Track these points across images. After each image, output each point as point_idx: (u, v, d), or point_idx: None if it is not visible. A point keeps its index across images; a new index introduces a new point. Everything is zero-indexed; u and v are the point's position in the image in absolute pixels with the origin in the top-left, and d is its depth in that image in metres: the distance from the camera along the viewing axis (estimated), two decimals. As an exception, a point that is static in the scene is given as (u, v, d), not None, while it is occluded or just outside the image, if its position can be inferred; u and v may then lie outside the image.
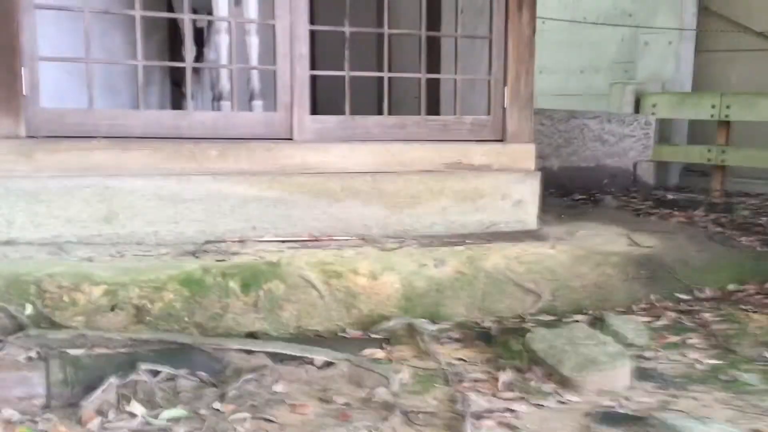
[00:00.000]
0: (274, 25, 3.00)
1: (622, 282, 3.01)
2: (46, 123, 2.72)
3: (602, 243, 3.24)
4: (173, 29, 5.12)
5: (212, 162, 2.92)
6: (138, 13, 2.82)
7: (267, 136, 3.04)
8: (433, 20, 3.54)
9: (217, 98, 4.67)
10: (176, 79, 5.28)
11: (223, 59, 3.81)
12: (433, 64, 3.61)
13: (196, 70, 4.73)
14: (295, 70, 3.04)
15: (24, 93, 2.67)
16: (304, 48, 3.05)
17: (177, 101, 5.23)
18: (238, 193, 2.94)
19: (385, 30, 3.22)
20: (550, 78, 7.02)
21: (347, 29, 3.13)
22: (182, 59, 4.92)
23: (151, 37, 4.09)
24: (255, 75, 3.70)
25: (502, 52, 3.37)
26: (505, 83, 3.39)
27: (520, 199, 3.40)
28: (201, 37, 4.74)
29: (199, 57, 4.73)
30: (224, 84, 3.85)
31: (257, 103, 3.79)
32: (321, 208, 3.06)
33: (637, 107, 5.99)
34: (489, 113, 3.41)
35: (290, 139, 3.07)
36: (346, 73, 3.15)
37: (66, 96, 4.89)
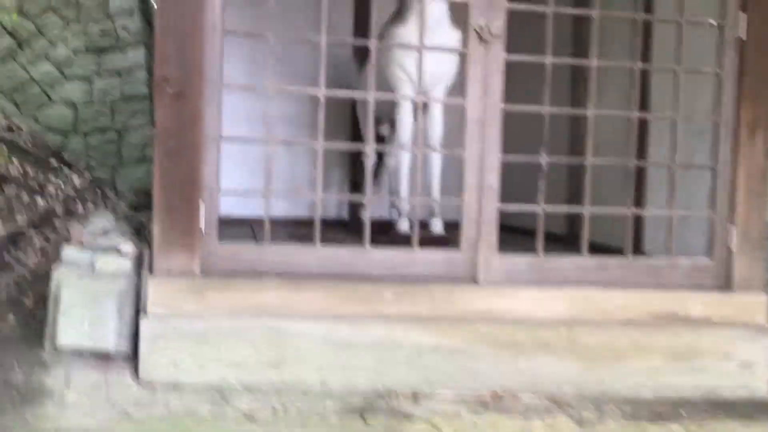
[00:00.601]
0: (462, 155, 2.71)
1: None
2: (220, 260, 2.59)
3: None
4: (355, 129, 5.04)
5: (387, 305, 2.64)
6: (321, 145, 2.65)
7: (448, 277, 2.73)
8: (640, 145, 3.11)
9: (393, 206, 4.50)
10: (356, 179, 5.18)
11: (403, 176, 3.61)
12: (638, 195, 3.15)
13: (375, 174, 4.59)
14: (483, 204, 2.73)
15: (201, 228, 2.55)
16: (494, 180, 2.73)
17: (355, 206, 5.12)
18: (412, 341, 2.63)
19: (588, 159, 2.83)
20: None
21: (544, 159, 2.78)
22: (361, 161, 4.84)
23: (333, 138, 3.95)
24: (435, 187, 3.44)
25: (728, 184, 2.85)
26: (731, 221, 2.85)
27: (749, 360, 2.81)
28: (382, 140, 4.59)
29: (379, 162, 4.59)
30: (402, 205, 3.63)
31: (436, 221, 3.53)
32: (505, 361, 2.68)
33: None
34: (710, 256, 2.88)
35: (474, 281, 2.73)
36: (540, 207, 2.79)
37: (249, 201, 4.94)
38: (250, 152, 4.79)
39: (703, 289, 2.85)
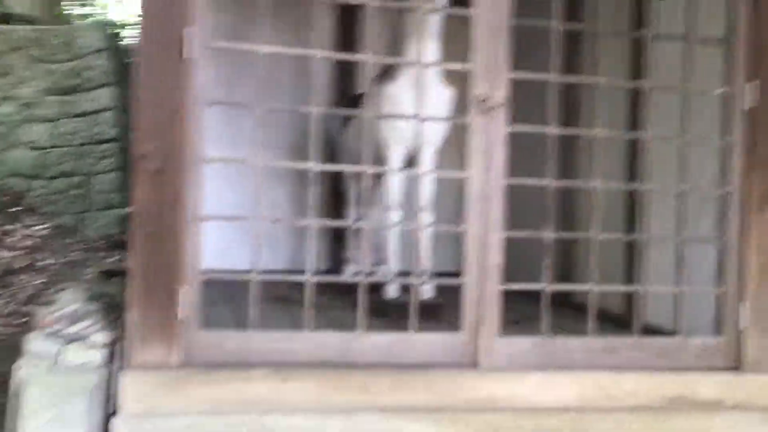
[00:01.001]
0: (465, 233, 2.54)
1: None
2: (202, 350, 2.37)
3: None
4: (335, 181, 4.87)
5: (383, 394, 2.45)
6: (312, 222, 2.46)
7: (448, 363, 2.54)
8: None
9: (378, 263, 4.31)
10: (337, 235, 4.99)
11: (392, 240, 3.43)
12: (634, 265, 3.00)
13: (358, 230, 4.42)
14: (484, 284, 2.55)
15: (180, 317, 2.34)
16: (497, 258, 2.56)
17: (337, 259, 4.92)
18: (411, 434, 2.44)
19: (595, 234, 2.68)
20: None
21: (549, 235, 2.62)
22: (341, 215, 4.66)
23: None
24: (426, 252, 3.27)
25: (738, 259, 2.72)
26: (740, 298, 2.72)
27: (762, 445, 2.66)
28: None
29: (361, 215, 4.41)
30: (390, 270, 3.45)
31: (427, 288, 3.36)
32: (510, 452, 2.49)
33: None
34: (719, 333, 2.74)
35: (475, 366, 2.55)
36: (544, 286, 2.62)
37: (226, 252, 4.71)
38: (225, 203, 4.61)
39: (714, 369, 2.70)
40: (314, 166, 2.43)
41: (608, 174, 2.70)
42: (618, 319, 3.35)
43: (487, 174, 2.55)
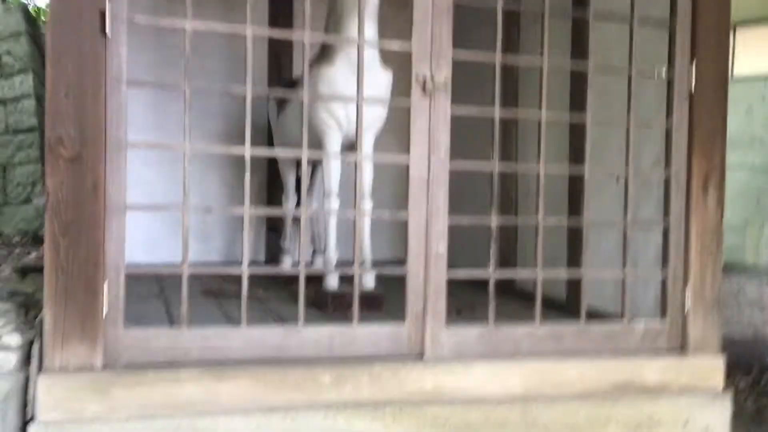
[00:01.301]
0: (406, 221, 2.44)
1: None
2: (127, 350, 2.20)
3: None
4: (272, 170, 4.71)
5: (325, 391, 2.32)
6: (247, 211, 2.31)
7: (392, 355, 2.44)
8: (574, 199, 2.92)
9: (317, 252, 4.18)
10: (273, 225, 4.83)
11: (332, 229, 3.31)
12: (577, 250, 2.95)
13: (296, 218, 4.28)
14: (429, 273, 2.46)
15: (104, 314, 2.16)
16: (441, 246, 2.47)
17: (272, 248, 4.77)
18: (356, 431, 2.32)
19: (540, 219, 2.62)
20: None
21: (494, 222, 2.54)
22: (278, 203, 4.50)
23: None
24: (366, 240, 3.16)
25: (682, 242, 2.71)
26: (685, 280, 2.70)
27: (707, 426, 2.66)
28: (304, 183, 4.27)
29: (299, 205, 4.28)
30: (330, 260, 3.33)
31: (369, 277, 3.26)
32: (457, 446, 2.41)
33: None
34: (664, 316, 2.72)
35: (421, 358, 2.46)
36: (490, 273, 2.55)
37: (156, 244, 4.50)
38: (155, 193, 4.39)
39: (658, 353, 2.68)
40: (247, 150, 2.27)
41: (549, 158, 2.63)
42: (561, 306, 3.32)
43: (430, 158, 2.45)
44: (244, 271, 2.31)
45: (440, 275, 2.46)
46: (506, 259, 3.76)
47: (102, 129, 2.15)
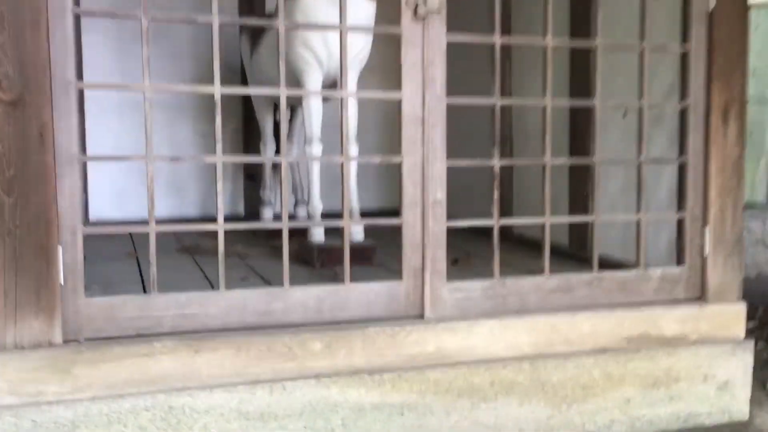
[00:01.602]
0: (400, 163, 2.16)
1: None
2: (90, 321, 1.94)
3: None
4: (248, 116, 4.40)
5: (316, 359, 2.09)
6: (219, 159, 2.02)
7: (389, 316, 2.20)
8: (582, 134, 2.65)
9: (299, 203, 3.91)
10: (250, 173, 4.54)
11: (315, 176, 3.05)
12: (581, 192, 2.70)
13: (275, 165, 4.00)
14: (427, 224, 2.20)
15: (61, 282, 1.89)
16: (440, 192, 2.21)
17: (251, 199, 4.49)
18: (351, 401, 2.10)
19: (547, 159, 2.36)
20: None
21: (496, 164, 2.28)
22: (256, 151, 4.20)
23: (223, 126, 3.42)
24: (353, 188, 2.91)
25: (701, 180, 2.47)
26: (704, 222, 2.48)
27: (727, 380, 2.48)
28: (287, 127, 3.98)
29: (277, 151, 4.00)
30: (315, 210, 3.07)
31: (358, 229, 3.01)
32: (461, 412, 2.20)
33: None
34: (681, 262, 2.51)
35: (420, 318, 2.22)
36: (494, 221, 2.30)
37: (125, 198, 4.19)
38: (124, 144, 4.08)
39: (676, 302, 2.47)
40: (217, 89, 1.98)
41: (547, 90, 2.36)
42: (564, 253, 3.11)
43: (425, 94, 2.17)
44: (220, 227, 2.03)
45: (439, 225, 2.21)
46: (502, 204, 3.52)
47: (46, 67, 1.84)
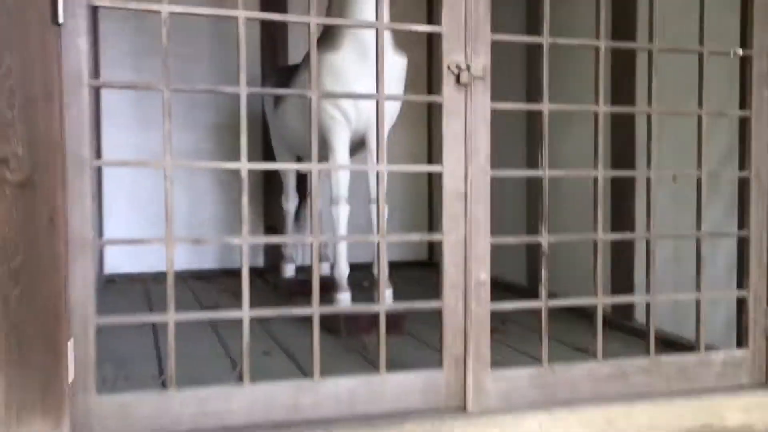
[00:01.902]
0: (442, 242, 1.98)
1: None
2: (102, 421, 1.75)
3: None
4: (269, 155, 4.25)
5: (349, 458, 1.89)
6: (246, 240, 1.85)
7: (428, 408, 2.00)
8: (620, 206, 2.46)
9: (323, 258, 3.75)
10: (271, 224, 4.39)
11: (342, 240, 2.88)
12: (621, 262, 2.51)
13: (297, 217, 3.84)
14: (470, 306, 2.01)
15: (69, 380, 1.71)
16: (483, 272, 2.02)
17: (271, 251, 4.33)
18: (387, 505, 1.90)
19: (599, 235, 2.17)
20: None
21: (545, 240, 2.09)
22: (276, 203, 4.04)
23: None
24: (384, 254, 2.72)
25: (765, 256, 2.27)
26: (768, 301, 2.27)
27: (797, 474, 2.25)
28: (304, 184, 3.85)
29: (300, 205, 3.84)
30: (342, 272, 2.90)
31: (388, 294, 2.83)
32: None
33: None
34: (744, 344, 2.30)
35: (462, 410, 2.02)
36: (543, 303, 2.10)
37: (142, 249, 4.04)
38: (142, 190, 3.95)
39: (740, 389, 2.26)
40: (244, 167, 1.81)
41: (584, 158, 2.17)
42: (606, 319, 2.90)
43: (467, 166, 1.99)
44: (245, 315, 1.85)
45: (483, 308, 2.02)
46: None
47: (59, 144, 1.68)
